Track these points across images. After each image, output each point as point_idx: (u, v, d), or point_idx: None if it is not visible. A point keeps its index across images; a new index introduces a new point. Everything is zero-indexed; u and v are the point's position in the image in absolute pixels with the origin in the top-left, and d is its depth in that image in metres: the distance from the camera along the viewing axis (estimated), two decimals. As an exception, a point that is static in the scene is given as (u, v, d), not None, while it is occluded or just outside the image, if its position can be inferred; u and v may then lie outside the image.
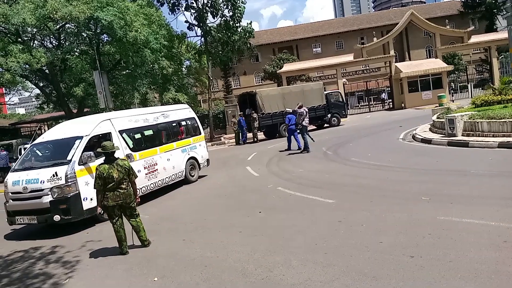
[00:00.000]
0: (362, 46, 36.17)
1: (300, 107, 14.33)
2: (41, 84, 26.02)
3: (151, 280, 4.69)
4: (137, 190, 6.54)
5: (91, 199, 7.63)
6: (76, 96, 22.83)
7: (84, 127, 8.68)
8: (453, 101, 28.85)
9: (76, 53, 24.22)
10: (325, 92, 24.92)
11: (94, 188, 5.84)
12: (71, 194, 7.48)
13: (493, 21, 47.08)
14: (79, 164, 7.73)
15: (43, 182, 7.46)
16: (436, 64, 33.33)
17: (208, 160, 12.54)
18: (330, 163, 11.39)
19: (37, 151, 8.74)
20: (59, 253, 6.33)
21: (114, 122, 9.21)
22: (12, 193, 7.77)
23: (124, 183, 5.79)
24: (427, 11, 52.20)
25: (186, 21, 27.38)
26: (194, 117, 12.37)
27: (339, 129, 22.26)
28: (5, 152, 19.32)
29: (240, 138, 22.32)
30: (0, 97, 29.53)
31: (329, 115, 24.24)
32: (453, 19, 48.17)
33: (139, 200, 6.22)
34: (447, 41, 38.04)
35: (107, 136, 8.69)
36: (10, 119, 39.87)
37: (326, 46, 53.54)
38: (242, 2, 26.47)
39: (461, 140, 11.41)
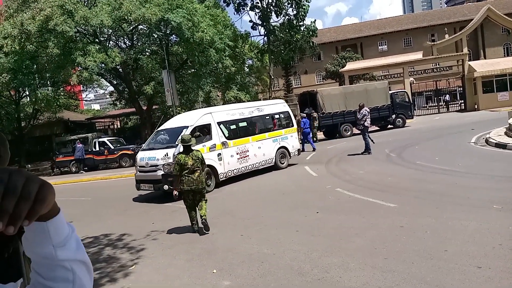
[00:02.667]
0: (433, 43, 34.24)
1: (361, 107, 13.94)
2: (115, 82, 27.86)
3: (210, 271, 4.89)
4: (230, 171, 10.49)
5: None
6: (146, 93, 24.14)
7: (190, 119, 11.01)
8: (534, 103, 26.33)
9: (147, 53, 25.61)
10: (390, 92, 23.98)
11: (173, 173, 6.96)
12: None
13: None
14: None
15: (158, 160, 9.82)
16: (515, 63, 30.63)
17: (299, 150, 13.88)
18: (393, 166, 10.98)
19: (158, 137, 11.18)
20: (125, 240, 6.80)
21: (214, 115, 11.14)
22: (139, 166, 10.41)
23: (198, 171, 6.63)
24: (506, 5, 47.97)
25: (251, 21, 27.81)
26: (287, 111, 13.59)
27: (404, 131, 21.31)
28: (81, 144, 21.00)
29: (300, 137, 22.16)
30: (78, 93, 32.09)
31: (393, 116, 23.30)
32: (537, 13, 43.93)
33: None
34: (529, 37, 34.84)
35: (207, 126, 10.80)
36: (86, 114, 43.18)
37: (392, 43, 51.36)
38: (306, 1, 26.29)
39: (543, 146, 10.41)
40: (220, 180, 10.80)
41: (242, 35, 29.23)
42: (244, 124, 12.05)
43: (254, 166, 11.91)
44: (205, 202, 6.72)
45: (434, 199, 6.89)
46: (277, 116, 13.22)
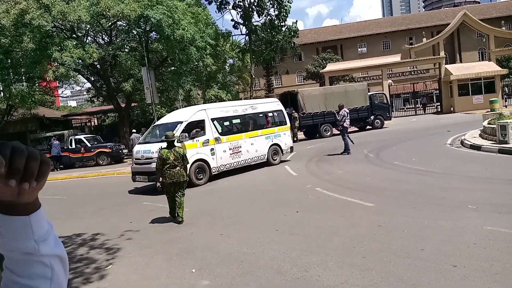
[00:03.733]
0: (411, 46, 35.01)
1: (341, 107, 14.09)
2: (92, 79, 27.30)
3: (189, 271, 4.83)
4: (223, 166, 11.39)
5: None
6: (124, 91, 23.73)
7: (184, 114, 11.43)
8: (506, 107, 27.23)
9: (126, 50, 25.18)
10: (369, 93, 24.34)
11: (156, 167, 7.30)
12: None
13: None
14: (177, 142, 9.47)
15: (153, 153, 10.12)
16: (489, 67, 31.61)
17: (292, 148, 14.19)
18: (371, 166, 11.14)
19: (155, 131, 11.71)
20: (101, 240, 6.64)
21: (208, 111, 11.53)
22: (135, 159, 10.90)
23: (178, 166, 7.10)
24: (481, 11, 49.51)
25: (232, 20, 27.77)
26: (281, 110, 13.98)
27: (382, 132, 21.67)
28: (57, 142, 20.49)
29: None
30: (54, 90, 31.27)
31: (372, 117, 23.67)
32: (510, 20, 45.40)
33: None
34: (502, 43, 35.81)
35: (202, 122, 11.21)
36: (62, 111, 42.14)
37: (372, 46, 52.21)
38: (288, 1, 26.43)
39: (514, 147, 10.76)
40: (213, 174, 11.17)
41: (223, 34, 29.14)
42: (238, 121, 12.62)
43: (246, 161, 12.26)
44: (183, 196, 7.19)
45: (411, 199, 7.02)
46: (270, 114, 13.65)
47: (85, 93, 46.77)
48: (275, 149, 13.31)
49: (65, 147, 20.67)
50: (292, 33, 28.52)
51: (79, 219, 8.53)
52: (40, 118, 28.03)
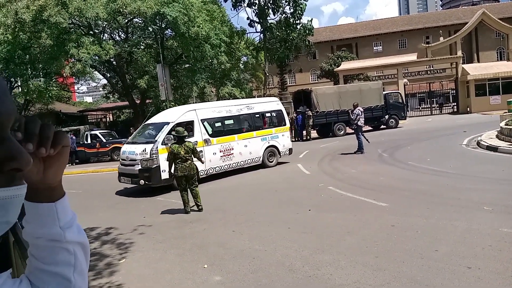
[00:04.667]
0: (427, 45, 34.55)
1: (355, 106, 13.97)
2: (108, 75, 27.66)
3: (201, 266, 4.88)
4: (212, 168, 10.89)
5: None
6: (139, 87, 23.99)
7: (173, 115, 11.00)
8: (525, 108, 26.61)
9: (142, 47, 25.45)
10: (384, 92, 24.08)
11: (166, 160, 7.75)
12: (153, 166, 9.71)
13: None
14: (162, 144, 9.87)
15: (137, 155, 9.98)
16: (507, 68, 30.94)
17: (290, 149, 13.52)
18: (385, 166, 11.04)
19: (144, 131, 11.34)
20: (115, 234, 6.73)
21: (198, 112, 11.12)
22: (121, 159, 10.64)
23: (189, 160, 7.53)
24: (500, 10, 48.45)
25: (248, 18, 27.76)
26: (280, 110, 13.37)
27: (397, 131, 21.44)
28: (74, 137, 20.83)
29: (293, 135, 22.38)
30: (70, 85, 31.78)
31: (386, 116, 23.43)
32: (531, 19, 44.30)
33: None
34: (522, 42, 35.06)
35: (190, 123, 10.78)
36: (78, 106, 42.81)
37: (387, 44, 51.61)
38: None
39: (533, 149, 10.53)
40: (200, 177, 10.48)
41: (238, 32, 29.17)
42: (231, 122, 12.01)
43: (238, 164, 11.83)
44: (197, 187, 7.72)
45: (425, 200, 6.94)
46: (268, 115, 13.12)
47: (101, 89, 47.45)
48: (272, 151, 12.81)
49: (80, 142, 20.99)
50: (307, 31, 28.37)
51: (93, 213, 8.67)
52: (57, 113, 28.54)
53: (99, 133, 21.75)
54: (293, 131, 22.44)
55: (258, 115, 12.74)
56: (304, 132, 21.91)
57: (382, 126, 23.68)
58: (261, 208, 7.67)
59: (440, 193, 7.31)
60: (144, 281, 4.69)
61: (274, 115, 13.29)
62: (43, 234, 0.78)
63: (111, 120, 36.44)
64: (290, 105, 26.85)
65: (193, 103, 24.28)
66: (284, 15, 27.22)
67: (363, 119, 13.91)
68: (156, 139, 10.05)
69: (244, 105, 12.47)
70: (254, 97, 45.54)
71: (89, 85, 42.62)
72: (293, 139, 22.25)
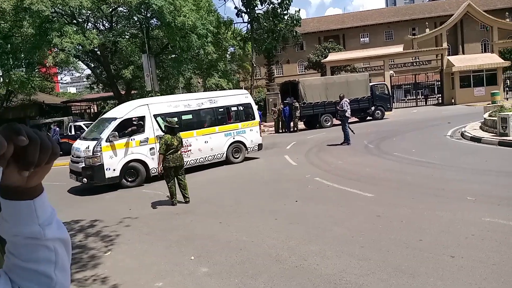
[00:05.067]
0: (413, 37, 34.72)
1: (342, 98, 14.04)
2: (92, 65, 27.18)
3: (188, 258, 4.86)
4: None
5: (114, 170, 9.66)
6: (124, 78, 23.65)
7: (122, 110, 10.58)
8: (507, 99, 27.10)
9: (127, 36, 25.02)
10: (370, 84, 24.22)
11: (160, 152, 7.49)
12: (96, 164, 9.43)
13: (561, 15, 43.40)
14: (106, 141, 9.58)
15: (81, 152, 9.68)
16: (491, 59, 31.41)
17: (260, 145, 12.98)
18: (371, 157, 11.14)
19: (97, 126, 10.88)
20: (100, 226, 6.66)
21: (151, 107, 10.55)
22: (71, 155, 10.30)
23: (179, 150, 7.62)
24: (485, 2, 48.92)
25: (236, 8, 27.52)
26: (249, 103, 12.73)
27: (383, 123, 21.65)
28: (57, 128, 20.46)
29: (280, 127, 22.43)
30: (53, 76, 31.14)
31: (373, 108, 23.62)
32: (515, 11, 44.88)
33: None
34: (505, 35, 35.46)
35: (141, 119, 10.33)
36: (61, 97, 42.03)
37: (374, 36, 51.80)
38: (292, -10, 26.18)
39: (514, 140, 10.75)
40: (152, 175, 10.22)
41: (225, 22, 28.91)
42: (189, 116, 11.40)
43: (198, 161, 11.29)
44: (185, 178, 7.75)
45: (410, 190, 7.03)
46: (234, 109, 12.46)
47: (85, 79, 46.60)
48: (237, 146, 12.19)
49: (64, 134, 20.64)
50: (295, 22, 28.28)
51: (78, 206, 8.56)
52: (40, 104, 27.97)
53: (83, 124, 21.40)
54: (280, 122, 22.50)
55: (222, 109, 12.06)
56: (292, 124, 21.94)
57: (369, 118, 23.87)
58: (249, 199, 7.67)
59: (425, 184, 7.41)
60: (130, 273, 4.65)
61: (242, 109, 12.59)
62: (21, 233, 0.76)
63: (96, 111, 35.91)
64: (277, 96, 26.84)
65: (180, 93, 24.06)
66: (271, 5, 27.05)
67: (350, 110, 13.99)
68: (101, 135, 9.69)
69: (206, 99, 11.78)
70: (242, 88, 45.45)
71: (72, 75, 41.86)
72: (281, 130, 22.34)
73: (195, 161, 11.24)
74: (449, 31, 36.21)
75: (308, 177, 8.99)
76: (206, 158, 11.49)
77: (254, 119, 12.72)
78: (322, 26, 53.51)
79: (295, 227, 5.66)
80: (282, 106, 22.49)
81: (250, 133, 12.48)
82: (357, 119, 23.56)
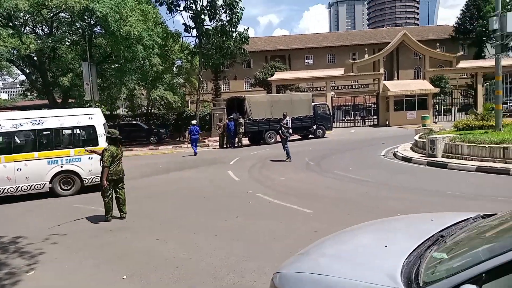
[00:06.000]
0: (353, 61, 36.71)
1: (285, 116, 14.41)
2: (28, 71, 25.52)
3: (119, 277, 4.61)
4: None
5: None
6: (62, 85, 22.41)
7: None
8: (436, 123, 29.40)
9: (67, 43, 23.88)
10: (313, 104, 25.13)
11: (105, 165, 7.16)
12: None
13: (482, 49, 48.23)
14: None
15: None
16: (423, 86, 34.00)
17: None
18: (311, 174, 11.46)
19: None
20: (23, 243, 6.15)
21: None
22: None
23: (121, 162, 7.49)
24: (419, 33, 53.18)
25: (184, 24, 27.35)
26: (92, 126, 10.43)
27: (324, 141, 22.44)
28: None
29: (224, 142, 22.43)
30: (-17, 80, 28.82)
31: (314, 127, 24.45)
32: (444, 43, 49.10)
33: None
34: (436, 64, 38.77)
35: None
36: (-9, 103, 38.91)
37: (318, 58, 54.07)
38: (240, 8, 26.59)
39: (440, 161, 11.62)
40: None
41: (173, 34, 28.62)
42: None
43: (5, 191, 9.68)
44: (124, 191, 7.55)
45: (346, 207, 7.29)
46: (68, 132, 10.47)
47: (18, 86, 43.55)
48: (68, 177, 10.25)
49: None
50: (243, 40, 28.65)
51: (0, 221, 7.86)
52: (-36, 110, 25.58)
53: None
54: (224, 137, 22.48)
55: (48, 132, 10.16)
56: (236, 139, 22.02)
57: (310, 136, 24.64)
58: (189, 215, 7.51)
59: (360, 201, 7.73)
60: (55, 294, 4.32)
61: (79, 132, 10.53)
62: None
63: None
64: (223, 111, 26.88)
65: (122, 104, 23.26)
66: (220, 22, 27.26)
67: (291, 129, 14.40)
68: None
69: (27, 119, 9.95)
70: (188, 102, 44.99)
71: (4, 80, 38.97)
72: (225, 146, 22.31)
73: (1, 191, 9.66)
74: (386, 58, 38.78)
75: (250, 193, 9.01)
76: (19, 188, 9.78)
77: (97, 144, 10.17)
78: (269, 46, 54.90)
79: (235, 244, 5.62)
80: (227, 121, 22.52)
81: (88, 162, 10.33)
82: (299, 137, 24.22)
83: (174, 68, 35.72)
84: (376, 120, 36.83)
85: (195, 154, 18.43)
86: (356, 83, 47.20)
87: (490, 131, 13.90)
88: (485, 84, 36.70)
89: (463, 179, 9.42)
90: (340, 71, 36.55)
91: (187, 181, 11.50)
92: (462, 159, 11.34)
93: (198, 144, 19.95)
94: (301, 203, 7.66)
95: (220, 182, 10.97)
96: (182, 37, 30.68)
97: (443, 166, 11.19)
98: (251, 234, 6.01)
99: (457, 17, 52.54)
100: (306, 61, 54.58)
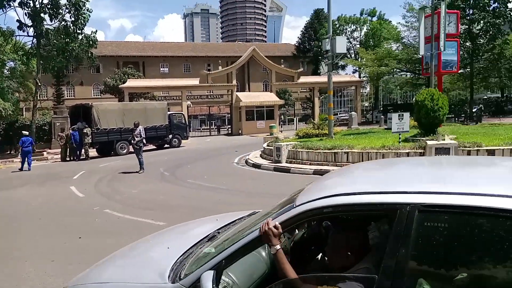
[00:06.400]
0: (208, 72, 37.78)
1: (137, 125, 13.75)
2: None
3: None
4: None
5: None
6: None
7: None
8: (281, 132, 32.28)
9: None
10: (169, 113, 24.83)
11: None
12: None
13: (318, 66, 55.34)
14: None
15: None
16: (270, 97, 37.04)
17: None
18: (166, 184, 11.21)
19: None
20: None
21: None
22: None
23: None
24: (267, 49, 57.86)
25: (18, 21, 23.80)
26: None
27: (179, 150, 22.31)
28: None
29: (67, 154, 20.23)
30: None
31: (170, 136, 24.15)
32: (288, 59, 54.50)
33: None
34: (281, 78, 42.72)
35: None
36: None
37: (173, 67, 53.81)
38: (87, 10, 24.57)
39: (284, 166, 12.74)
40: None
41: (4, 32, 24.73)
42: None
43: None
44: None
45: (200, 215, 7.27)
46: None
47: None
48: None
49: None
50: (90, 43, 26.48)
51: None
52: None
53: None
54: (67, 149, 20.27)
55: None
56: (82, 151, 20.10)
57: (166, 145, 24.23)
58: (21, 239, 6.46)
59: (214, 209, 7.81)
60: None
61: None
62: None
63: None
64: (66, 120, 24.35)
65: None
66: (64, 22, 24.67)
67: (145, 138, 13.87)
68: None
69: None
70: (22, 109, 39.30)
71: None
72: (68, 158, 20.15)
73: None
74: (238, 70, 40.98)
75: (96, 209, 8.28)
76: None
77: None
78: (121, 51, 52.23)
79: (75, 268, 5.00)
80: (71, 131, 20.37)
81: None
82: (155, 147, 23.59)
83: (6, 71, 30.88)
84: (230, 129, 38.45)
85: (29, 169, 16.00)
86: (212, 93, 48.55)
87: (324, 138, 15.85)
88: (321, 97, 42.08)
89: (304, 182, 10.46)
90: (195, 81, 37.08)
91: (18, 202, 9.92)
92: (302, 164, 12.63)
93: (33, 157, 17.54)
94: (154, 216, 7.38)
95: (60, 200, 9.78)
96: (16, 35, 26.82)
97: (287, 170, 12.27)
98: (96, 256, 5.44)
99: (298, 37, 59.25)
100: (161, 69, 53.74)
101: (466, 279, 1.48)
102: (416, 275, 1.54)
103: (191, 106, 37.96)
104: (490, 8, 30.77)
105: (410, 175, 2.19)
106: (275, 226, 1.89)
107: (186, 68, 55.10)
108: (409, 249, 1.54)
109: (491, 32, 30.73)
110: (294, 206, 1.91)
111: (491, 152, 10.18)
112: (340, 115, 44.20)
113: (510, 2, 30.66)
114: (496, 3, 30.84)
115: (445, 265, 1.55)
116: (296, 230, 2.78)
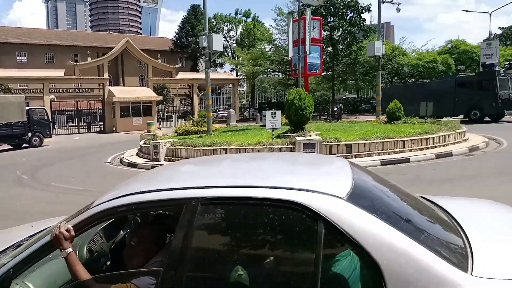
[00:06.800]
0: (75, 63, 34.53)
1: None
2: None
3: None
4: None
5: None
6: None
7: None
8: (160, 129, 31.39)
9: None
10: (27, 108, 21.98)
11: None
12: None
13: (197, 62, 55.20)
14: None
15: None
16: (147, 93, 35.65)
17: None
18: (24, 189, 9.90)
19: None
20: None
21: None
22: None
23: None
24: (142, 42, 55.33)
25: None
26: None
27: (41, 150, 19.94)
28: None
29: None
30: None
31: (29, 134, 21.40)
32: (165, 54, 52.98)
33: None
34: (158, 73, 41.35)
35: None
36: None
37: (33, 56, 47.75)
38: None
39: (163, 165, 12.38)
40: None
41: None
42: None
43: None
44: None
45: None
46: None
47: None
48: None
49: None
50: None
51: None
52: None
53: None
54: None
55: None
56: None
57: (25, 145, 21.43)
58: None
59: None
60: None
61: None
62: None
63: None
64: None
65: None
66: None
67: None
68: None
69: None
70: None
71: None
72: None
73: None
74: (111, 63, 38.40)
75: None
76: None
77: None
78: (-37, 34, 44.25)
79: None
80: None
81: None
82: (10, 147, 20.68)
83: None
84: (102, 126, 35.83)
85: None
86: (80, 86, 44.35)
87: (203, 135, 15.90)
88: (200, 94, 42.14)
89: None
90: (60, 73, 33.59)
91: None
92: (181, 162, 12.45)
93: None
94: (6, 227, 6.40)
95: None
96: None
97: (165, 169, 11.94)
98: None
99: (175, 32, 58.16)
100: (18, 58, 47.29)
101: (243, 258, 1.80)
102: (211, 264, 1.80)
103: (55, 100, 34.14)
104: (347, 17, 34.86)
105: (203, 171, 2.47)
106: (67, 230, 1.87)
107: (49, 58, 49.45)
108: (191, 239, 1.70)
109: (348, 39, 34.89)
110: (91, 207, 1.95)
111: (348, 146, 11.53)
112: (219, 112, 45.00)
113: (363, 13, 35.22)
114: (352, 13, 35.10)
115: (224, 250, 1.82)
116: (121, 231, 2.81)
